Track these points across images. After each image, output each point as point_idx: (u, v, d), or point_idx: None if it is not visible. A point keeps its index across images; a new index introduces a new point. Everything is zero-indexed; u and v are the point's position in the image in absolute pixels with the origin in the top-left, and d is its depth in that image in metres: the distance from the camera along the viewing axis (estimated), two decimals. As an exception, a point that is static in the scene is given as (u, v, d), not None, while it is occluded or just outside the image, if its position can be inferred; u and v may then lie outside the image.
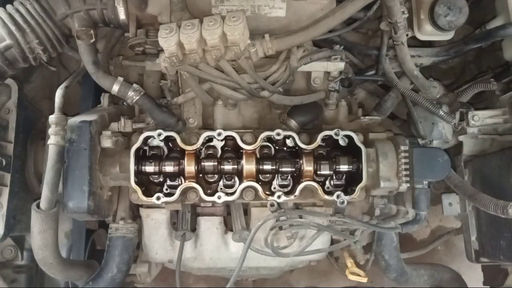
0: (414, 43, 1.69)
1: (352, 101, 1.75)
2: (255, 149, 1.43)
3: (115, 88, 1.38)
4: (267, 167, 1.44)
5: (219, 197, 1.40)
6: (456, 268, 2.08)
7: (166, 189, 1.49)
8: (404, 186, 1.42)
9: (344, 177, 1.50)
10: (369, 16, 1.54)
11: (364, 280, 1.67)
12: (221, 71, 1.36)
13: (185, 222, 1.61)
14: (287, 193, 1.44)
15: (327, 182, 1.50)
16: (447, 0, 1.51)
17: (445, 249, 2.79)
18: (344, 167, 1.44)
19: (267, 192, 1.45)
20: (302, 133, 1.48)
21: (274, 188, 1.50)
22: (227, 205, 1.69)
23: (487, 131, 1.70)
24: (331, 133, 1.42)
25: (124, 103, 1.55)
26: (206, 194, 1.40)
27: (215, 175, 1.49)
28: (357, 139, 1.42)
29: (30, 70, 1.82)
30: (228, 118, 1.57)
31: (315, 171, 1.43)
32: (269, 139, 1.47)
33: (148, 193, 1.42)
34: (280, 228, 1.50)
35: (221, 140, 1.48)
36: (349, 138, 1.44)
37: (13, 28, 1.32)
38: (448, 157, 1.47)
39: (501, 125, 1.66)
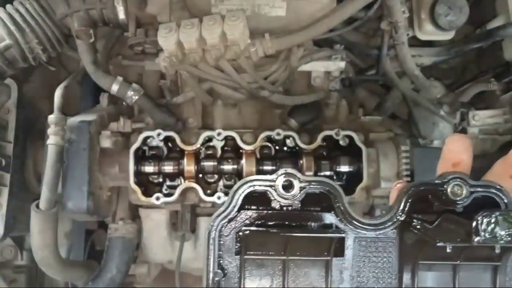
0: (415, 42, 1.69)
1: (352, 101, 1.74)
2: (255, 149, 1.43)
3: (115, 88, 1.38)
4: (267, 167, 1.44)
5: (219, 198, 1.39)
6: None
7: (166, 189, 1.49)
8: (404, 187, 1.42)
9: (344, 177, 1.49)
10: (369, 15, 1.54)
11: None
12: (221, 70, 1.36)
13: (184, 223, 1.60)
14: (287, 193, 1.43)
15: (327, 182, 1.50)
16: (448, 0, 1.51)
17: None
18: (344, 167, 1.43)
19: (267, 192, 1.44)
20: (302, 133, 1.47)
21: (274, 188, 1.50)
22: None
23: (488, 131, 1.70)
24: (332, 133, 1.41)
25: (124, 103, 1.54)
26: (205, 194, 1.40)
27: (215, 175, 1.49)
28: (358, 139, 1.41)
29: (30, 70, 1.82)
30: (228, 118, 1.57)
31: (315, 171, 1.43)
32: (269, 139, 1.46)
33: (147, 193, 1.42)
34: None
35: (221, 140, 1.48)
36: (350, 138, 1.43)
37: (12, 28, 1.32)
38: (448, 157, 1.47)
39: (502, 125, 1.65)
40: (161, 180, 1.49)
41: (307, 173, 1.41)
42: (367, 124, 1.56)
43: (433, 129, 1.70)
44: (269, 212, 0.54)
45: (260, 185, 0.52)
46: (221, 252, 0.53)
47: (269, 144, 1.52)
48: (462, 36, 1.73)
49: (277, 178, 0.52)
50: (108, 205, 1.51)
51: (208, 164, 1.43)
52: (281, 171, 0.52)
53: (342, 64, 1.46)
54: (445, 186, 0.55)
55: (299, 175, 0.52)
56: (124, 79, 1.41)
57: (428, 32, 1.59)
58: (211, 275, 0.52)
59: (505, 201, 0.55)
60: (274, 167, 1.44)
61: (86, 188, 1.33)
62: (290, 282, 0.56)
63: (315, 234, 0.55)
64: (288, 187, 0.52)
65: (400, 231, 0.56)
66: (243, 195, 0.53)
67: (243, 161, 1.41)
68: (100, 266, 1.58)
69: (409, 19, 1.57)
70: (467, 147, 0.64)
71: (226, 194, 1.42)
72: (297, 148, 1.45)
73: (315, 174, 1.43)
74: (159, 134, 1.40)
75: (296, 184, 0.52)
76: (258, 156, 1.46)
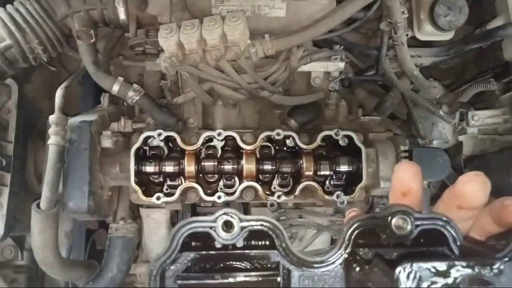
0: (414, 43, 1.69)
1: (352, 101, 1.75)
2: (255, 149, 1.43)
3: (115, 88, 1.38)
4: (267, 167, 1.44)
5: (219, 197, 1.40)
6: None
7: (166, 189, 1.49)
8: (404, 186, 1.42)
9: (344, 177, 1.50)
10: (369, 16, 1.54)
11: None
12: (221, 71, 1.36)
13: (185, 222, 1.61)
14: (287, 193, 1.44)
15: (327, 182, 1.50)
16: (447, 0, 1.52)
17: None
18: (344, 167, 1.44)
19: (267, 192, 1.45)
20: (302, 133, 1.48)
21: (274, 188, 1.50)
22: (227, 205, 1.69)
23: (487, 131, 1.70)
24: (331, 133, 1.42)
25: (124, 103, 1.55)
26: (206, 194, 1.41)
27: (215, 175, 1.49)
28: (357, 139, 1.42)
29: (30, 70, 1.82)
30: (228, 118, 1.57)
31: (315, 171, 1.43)
32: (269, 139, 1.47)
33: (148, 193, 1.42)
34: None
35: (221, 140, 1.48)
36: (349, 138, 1.44)
37: (13, 28, 1.32)
38: (447, 157, 1.47)
39: (501, 125, 1.66)
40: (161, 180, 1.49)
41: (307, 173, 1.42)
42: (366, 124, 1.56)
43: (432, 129, 1.71)
44: (212, 252, 0.53)
45: (200, 227, 0.51)
46: None
47: (269, 144, 1.52)
48: (461, 36, 1.74)
49: (216, 218, 0.52)
50: (109, 205, 1.52)
51: (209, 164, 1.44)
52: (220, 212, 0.52)
53: (342, 65, 1.46)
54: (389, 220, 0.52)
55: (239, 215, 0.52)
56: (125, 80, 1.41)
57: (427, 33, 1.60)
58: None
59: (453, 233, 0.52)
60: (274, 167, 1.45)
61: (87, 188, 1.34)
62: None
63: (256, 277, 0.54)
64: (228, 227, 0.52)
65: (347, 267, 0.54)
66: (183, 237, 0.52)
67: (243, 161, 1.42)
68: (100, 265, 1.59)
69: (409, 19, 1.57)
70: (416, 174, 0.61)
71: (226, 194, 1.42)
72: (297, 148, 1.45)
73: (315, 174, 1.44)
74: (159, 134, 1.40)
75: (236, 224, 0.51)
76: (258, 156, 1.46)
